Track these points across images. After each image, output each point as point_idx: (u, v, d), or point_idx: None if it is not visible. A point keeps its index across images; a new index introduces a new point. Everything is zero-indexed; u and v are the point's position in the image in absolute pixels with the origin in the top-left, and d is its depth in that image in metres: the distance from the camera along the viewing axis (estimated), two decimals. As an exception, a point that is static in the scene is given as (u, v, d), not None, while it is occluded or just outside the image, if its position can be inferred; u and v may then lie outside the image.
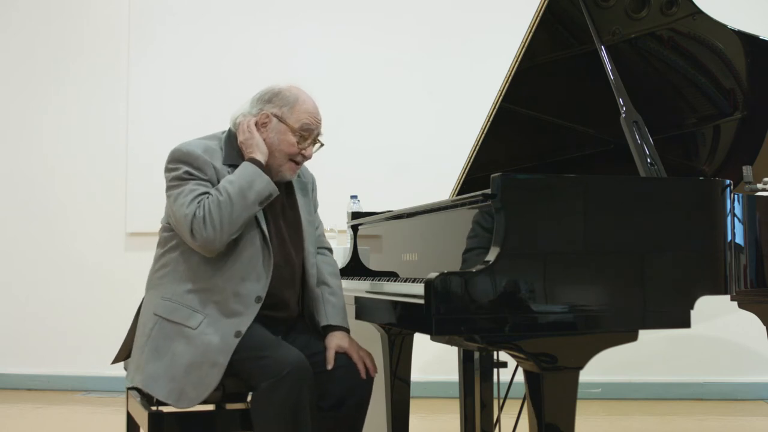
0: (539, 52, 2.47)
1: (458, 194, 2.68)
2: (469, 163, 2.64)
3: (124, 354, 2.20)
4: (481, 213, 1.79)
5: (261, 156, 2.06)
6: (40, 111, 5.23)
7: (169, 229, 2.11)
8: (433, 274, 1.58)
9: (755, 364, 4.66)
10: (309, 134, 2.16)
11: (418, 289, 1.65)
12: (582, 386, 1.69)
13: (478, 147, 2.61)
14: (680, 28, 2.45)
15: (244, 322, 2.01)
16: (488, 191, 1.69)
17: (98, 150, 5.12)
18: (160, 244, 2.14)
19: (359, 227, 2.71)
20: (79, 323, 4.95)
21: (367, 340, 2.77)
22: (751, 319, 2.55)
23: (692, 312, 1.73)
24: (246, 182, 1.99)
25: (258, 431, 1.93)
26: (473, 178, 2.64)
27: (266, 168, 2.07)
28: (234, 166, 2.08)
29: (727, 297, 1.90)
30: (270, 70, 4.90)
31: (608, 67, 2.25)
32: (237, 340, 1.98)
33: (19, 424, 4.09)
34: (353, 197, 3.15)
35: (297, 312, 2.20)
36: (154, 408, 2.01)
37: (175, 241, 2.08)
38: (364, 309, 2.20)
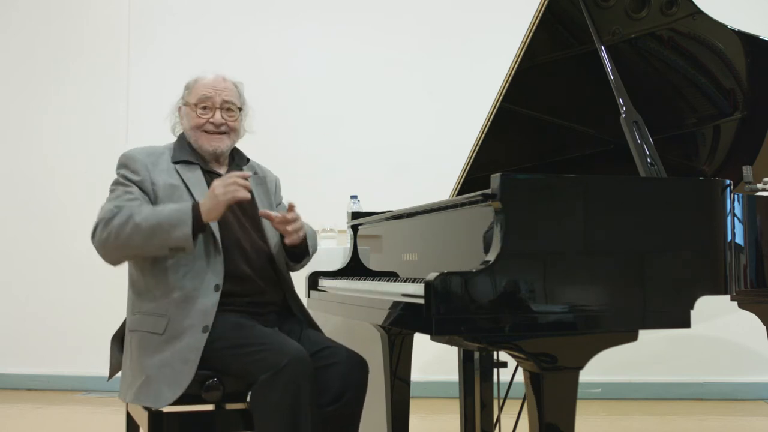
0: (539, 52, 2.47)
1: (458, 194, 2.68)
2: (469, 163, 2.64)
3: (115, 369, 2.26)
4: (481, 213, 1.79)
5: (208, 209, 2.04)
6: (40, 111, 5.23)
7: None
8: (433, 274, 1.58)
9: (755, 364, 4.66)
10: (209, 102, 2.24)
11: (418, 289, 1.65)
12: (582, 386, 1.69)
13: (478, 147, 2.61)
14: (680, 28, 2.45)
15: (208, 315, 2.05)
16: (488, 191, 1.69)
17: (98, 150, 5.11)
18: (130, 264, 2.22)
19: (359, 227, 2.71)
20: (79, 323, 4.95)
21: (367, 340, 2.78)
22: (751, 319, 2.55)
23: (692, 312, 1.73)
24: (167, 222, 2.02)
25: (258, 424, 1.93)
26: (473, 178, 2.64)
27: (195, 146, 2.21)
28: (184, 162, 2.21)
29: (727, 297, 1.90)
30: (270, 70, 4.93)
31: (608, 67, 2.25)
32: (205, 335, 2.02)
33: (19, 424, 4.09)
34: (353, 197, 3.15)
35: (279, 297, 2.26)
36: (153, 408, 2.01)
37: (140, 264, 2.16)
38: (364, 309, 2.19)
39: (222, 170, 2.28)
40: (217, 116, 2.24)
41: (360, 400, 2.08)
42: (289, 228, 2.17)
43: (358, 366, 2.09)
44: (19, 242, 5.18)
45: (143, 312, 2.12)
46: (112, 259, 2.11)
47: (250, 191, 2.26)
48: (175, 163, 2.21)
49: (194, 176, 2.21)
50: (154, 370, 2.01)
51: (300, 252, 2.30)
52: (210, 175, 2.24)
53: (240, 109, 2.30)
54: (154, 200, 2.13)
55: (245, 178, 2.05)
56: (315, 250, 2.42)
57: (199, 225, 2.03)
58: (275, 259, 2.26)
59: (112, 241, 2.05)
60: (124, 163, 2.17)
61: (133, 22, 5.17)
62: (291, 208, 2.18)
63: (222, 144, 2.25)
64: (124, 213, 2.04)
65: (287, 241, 2.20)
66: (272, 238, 2.28)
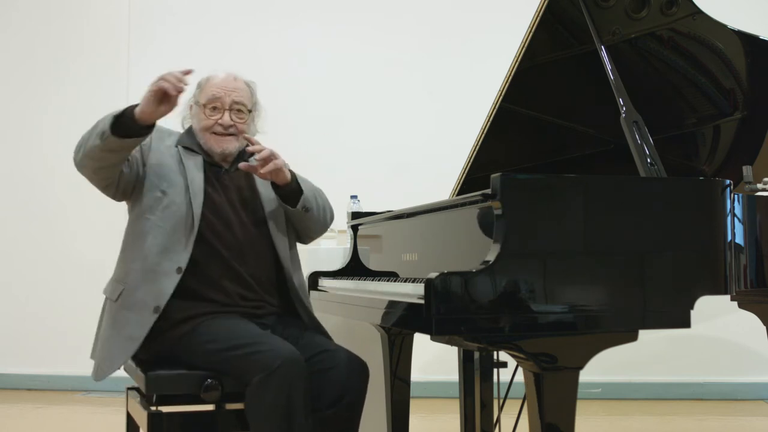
0: (539, 52, 2.47)
1: (458, 194, 2.68)
2: (469, 163, 2.64)
3: None
4: (481, 213, 1.79)
5: (140, 106, 1.97)
6: (40, 111, 5.23)
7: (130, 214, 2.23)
8: (433, 274, 1.58)
9: (755, 364, 4.66)
10: (219, 103, 2.22)
11: (419, 289, 1.65)
12: (582, 386, 1.69)
13: (478, 147, 2.61)
14: (680, 28, 2.45)
15: (163, 294, 2.04)
16: (488, 191, 1.69)
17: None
18: None
19: (359, 227, 2.71)
20: (79, 323, 4.92)
21: (367, 340, 2.78)
22: (751, 319, 2.54)
23: (692, 312, 1.73)
24: (105, 116, 2.01)
25: (253, 425, 1.93)
26: (473, 178, 2.64)
27: (205, 148, 2.20)
28: (186, 147, 2.23)
29: (727, 297, 1.90)
30: (270, 70, 4.92)
31: (608, 67, 2.25)
32: (155, 316, 2.03)
33: (19, 424, 4.09)
34: (353, 197, 3.15)
35: (277, 296, 2.23)
36: (153, 408, 2.01)
37: (125, 229, 2.20)
38: (364, 309, 2.19)
39: (226, 165, 2.27)
40: (226, 117, 2.22)
41: (359, 404, 2.07)
42: (257, 158, 2.09)
43: (358, 370, 2.07)
44: (19, 242, 5.18)
45: (112, 277, 2.18)
46: (79, 163, 2.09)
47: (252, 180, 2.27)
48: (181, 147, 2.22)
49: (194, 162, 2.20)
50: (101, 342, 2.06)
51: (289, 196, 2.21)
52: (212, 168, 2.24)
53: (250, 111, 2.28)
54: (145, 160, 2.16)
55: (185, 73, 1.95)
56: (324, 208, 2.34)
57: (128, 114, 1.96)
58: (278, 251, 2.23)
59: (78, 146, 2.08)
60: None
61: (133, 22, 5.17)
62: (248, 139, 2.15)
63: (230, 145, 2.24)
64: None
65: (272, 178, 2.14)
66: (275, 228, 2.24)
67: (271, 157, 2.12)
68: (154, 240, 2.09)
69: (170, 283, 2.06)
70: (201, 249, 2.12)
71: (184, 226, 2.11)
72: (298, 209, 2.23)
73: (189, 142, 2.25)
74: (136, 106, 1.97)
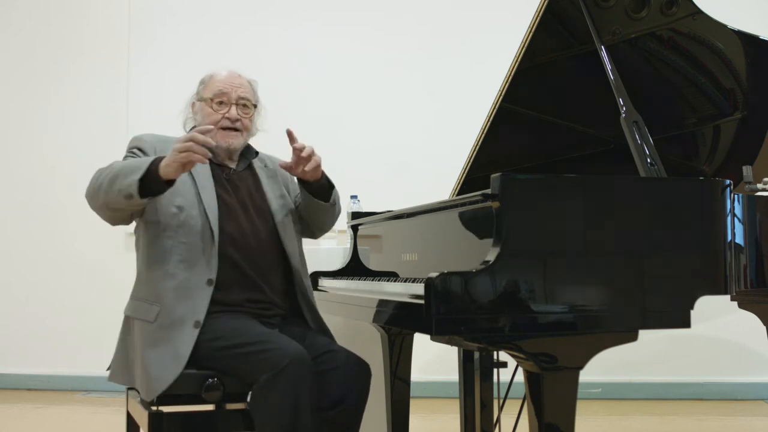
0: (539, 52, 2.47)
1: (458, 194, 2.68)
2: (469, 163, 2.64)
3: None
4: (481, 213, 1.79)
5: (164, 161, 1.96)
6: (40, 111, 5.23)
7: (134, 227, 2.22)
8: (433, 274, 1.58)
9: (755, 364, 4.66)
10: (225, 98, 2.24)
11: (418, 289, 1.65)
12: (582, 386, 1.69)
13: (478, 147, 2.61)
14: (680, 28, 2.45)
15: (199, 309, 2.04)
16: (488, 191, 1.69)
17: (98, 150, 5.11)
18: (135, 248, 2.23)
19: (359, 227, 2.71)
20: (79, 323, 4.95)
21: (367, 340, 2.78)
22: (751, 319, 2.55)
23: (692, 312, 1.73)
24: (129, 169, 1.98)
25: (258, 424, 1.92)
26: (473, 178, 2.64)
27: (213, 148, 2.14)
28: None
29: (727, 297, 1.90)
30: (270, 70, 4.91)
31: (608, 67, 2.25)
32: (197, 331, 2.02)
33: (19, 424, 4.09)
34: (353, 197, 3.15)
35: (286, 299, 2.23)
36: (154, 408, 2.01)
37: (138, 240, 2.18)
38: (364, 309, 2.19)
39: (233, 164, 2.28)
40: (233, 111, 2.23)
41: (361, 406, 2.06)
42: (303, 154, 2.11)
43: (360, 371, 2.08)
44: (19, 242, 5.18)
45: (138, 297, 2.14)
46: (95, 207, 2.08)
47: (260, 185, 2.28)
48: None
49: (202, 167, 2.17)
50: (144, 362, 2.02)
51: (320, 191, 2.24)
52: (220, 168, 2.25)
53: (255, 107, 2.29)
54: None
55: (205, 135, 1.95)
56: (338, 215, 2.38)
57: (154, 177, 1.94)
58: (287, 250, 2.24)
59: (91, 186, 2.06)
60: (135, 144, 2.19)
61: (133, 22, 5.17)
62: (290, 134, 2.13)
63: (236, 141, 2.25)
64: (106, 167, 2.07)
65: (307, 169, 2.14)
66: (284, 228, 2.25)
67: (312, 153, 2.14)
68: (179, 257, 2.08)
69: (204, 295, 2.06)
70: (222, 258, 2.13)
71: (203, 238, 2.11)
72: (329, 203, 2.27)
73: None
74: (157, 163, 1.96)
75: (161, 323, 2.04)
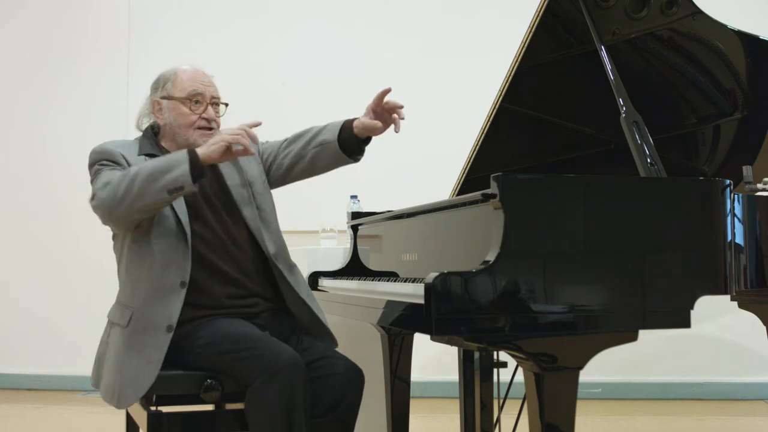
0: (539, 52, 2.47)
1: (458, 194, 2.68)
2: (469, 163, 2.64)
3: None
4: (481, 213, 1.79)
5: (208, 145, 1.96)
6: (40, 111, 5.23)
7: (112, 234, 2.17)
8: (433, 274, 1.57)
9: (755, 364, 4.66)
10: (201, 97, 2.17)
11: (418, 289, 1.65)
12: (582, 386, 1.69)
13: (478, 147, 2.61)
14: (680, 28, 2.45)
15: (173, 312, 2.01)
16: (488, 191, 1.69)
17: (98, 150, 5.12)
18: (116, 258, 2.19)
19: (359, 227, 2.71)
20: (79, 323, 4.95)
21: (367, 340, 2.78)
22: (751, 319, 2.55)
23: (692, 312, 1.73)
24: (165, 166, 1.94)
25: (253, 428, 1.92)
26: (473, 178, 2.64)
27: (185, 144, 2.11)
28: (149, 155, 2.13)
29: (727, 297, 1.90)
30: (270, 70, 4.93)
31: (608, 67, 2.25)
32: (170, 335, 2.00)
33: (19, 424, 4.09)
34: (353, 197, 3.15)
35: (269, 289, 2.18)
36: (153, 408, 2.01)
37: (117, 247, 2.15)
38: (364, 309, 2.19)
39: None
40: (210, 111, 2.17)
41: (353, 413, 2.05)
42: (401, 116, 2.14)
43: (354, 378, 2.05)
44: (20, 242, 5.18)
45: (117, 301, 2.13)
46: (117, 217, 2.00)
47: (221, 177, 2.19)
48: (144, 155, 2.14)
49: None
50: (116, 370, 2.00)
51: (362, 145, 2.23)
52: None
53: (226, 105, 2.23)
54: None
55: (252, 126, 1.96)
56: None
57: (197, 164, 1.93)
58: (255, 236, 2.17)
59: (113, 195, 1.96)
60: (99, 157, 2.10)
61: (133, 22, 5.17)
62: (385, 93, 2.14)
63: (203, 139, 2.16)
64: (121, 173, 2.00)
65: (396, 130, 2.15)
66: (248, 212, 2.18)
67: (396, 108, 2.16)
68: (153, 258, 2.05)
69: (177, 299, 2.03)
70: (194, 256, 2.08)
71: (176, 239, 2.06)
72: (353, 159, 2.24)
73: (150, 147, 2.18)
74: (194, 152, 1.95)
75: (135, 328, 2.02)
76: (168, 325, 2.01)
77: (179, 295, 2.03)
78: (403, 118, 2.13)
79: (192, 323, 2.06)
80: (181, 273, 2.04)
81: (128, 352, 2.00)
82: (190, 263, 2.05)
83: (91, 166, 2.10)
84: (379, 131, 2.16)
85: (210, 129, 2.17)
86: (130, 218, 2.01)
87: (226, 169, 2.21)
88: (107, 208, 1.99)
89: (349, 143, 2.19)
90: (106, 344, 2.13)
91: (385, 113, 2.16)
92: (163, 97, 2.18)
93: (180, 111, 2.16)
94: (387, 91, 2.13)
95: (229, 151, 1.95)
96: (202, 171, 1.96)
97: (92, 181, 2.08)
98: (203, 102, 2.16)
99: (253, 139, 1.98)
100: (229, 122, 2.20)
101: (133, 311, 2.04)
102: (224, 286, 2.11)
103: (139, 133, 2.28)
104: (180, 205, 2.08)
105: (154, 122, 2.24)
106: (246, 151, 1.96)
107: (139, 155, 2.14)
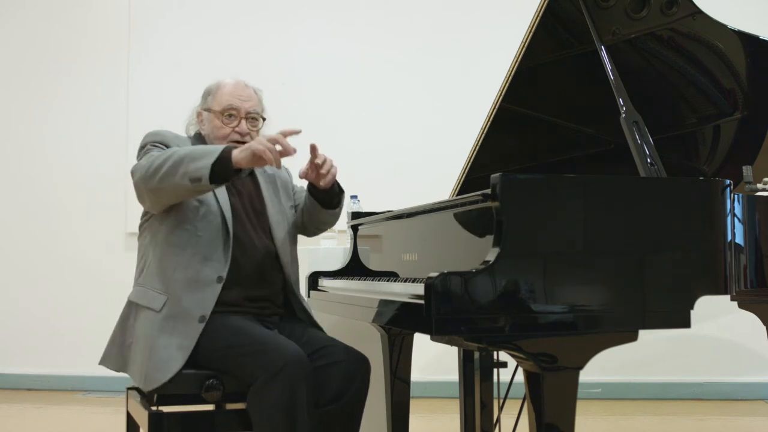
0: (539, 52, 2.47)
1: (458, 194, 2.68)
2: (469, 163, 2.64)
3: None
4: (481, 213, 1.79)
5: (239, 153, 1.98)
6: (40, 111, 5.23)
7: (144, 217, 2.23)
8: (433, 274, 1.58)
9: (755, 364, 4.66)
10: (236, 112, 2.24)
11: (418, 289, 1.65)
12: (582, 386, 1.69)
13: (478, 147, 2.61)
14: (680, 28, 2.45)
15: (207, 304, 2.06)
16: (488, 191, 1.69)
17: (98, 150, 5.12)
18: (140, 238, 2.25)
19: (359, 227, 2.71)
20: (79, 323, 4.95)
21: (367, 340, 2.78)
22: (751, 319, 2.55)
23: (692, 312, 1.73)
24: (199, 153, 1.97)
25: (256, 425, 1.93)
26: (473, 178, 2.64)
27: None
28: None
29: (727, 297, 1.90)
30: (270, 70, 4.92)
31: (608, 67, 2.25)
32: (202, 325, 2.04)
33: (19, 424, 4.09)
34: (353, 197, 3.15)
35: (282, 299, 2.26)
36: (154, 408, 2.01)
37: (147, 229, 2.20)
38: (364, 309, 2.19)
39: None
40: (243, 126, 2.24)
41: (361, 398, 2.08)
42: (322, 170, 2.14)
43: (358, 364, 2.09)
44: (20, 242, 5.18)
45: (146, 285, 2.15)
46: (147, 188, 2.03)
47: (260, 191, 2.31)
48: None
49: None
50: (147, 353, 2.02)
51: (332, 195, 2.28)
52: None
53: (263, 119, 2.30)
54: None
55: (288, 135, 2.00)
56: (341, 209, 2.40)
57: (225, 163, 1.95)
58: (281, 259, 2.26)
59: (146, 167, 2.01)
60: (156, 138, 2.16)
61: (133, 22, 5.17)
62: (313, 149, 2.13)
63: None
64: (165, 150, 2.06)
65: (322, 183, 2.17)
66: (279, 236, 2.28)
67: (332, 165, 2.18)
68: (195, 249, 2.10)
69: (213, 292, 2.08)
70: (234, 256, 2.15)
71: (220, 234, 2.13)
72: (338, 209, 2.31)
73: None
74: (229, 151, 1.97)
75: (168, 313, 2.06)
76: (201, 315, 2.05)
77: (215, 289, 2.09)
78: (323, 172, 2.18)
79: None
80: (221, 268, 2.10)
81: (161, 336, 2.03)
82: (229, 261, 2.12)
83: (142, 147, 2.16)
84: (313, 182, 2.22)
85: (243, 143, 2.21)
86: (160, 196, 2.05)
87: (264, 184, 2.32)
88: (140, 178, 2.03)
89: (324, 199, 2.29)
90: (132, 327, 2.14)
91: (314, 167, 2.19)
92: (205, 109, 2.28)
93: (215, 124, 2.25)
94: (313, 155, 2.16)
95: (258, 159, 1.97)
96: (228, 171, 1.97)
97: (139, 158, 2.13)
98: (237, 116, 2.24)
99: (287, 151, 1.99)
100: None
101: (168, 297, 2.07)
102: (246, 287, 2.17)
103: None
104: (226, 206, 2.16)
105: (197, 131, 2.33)
106: (276, 162, 1.97)
107: None
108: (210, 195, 2.16)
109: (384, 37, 5.00)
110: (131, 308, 2.17)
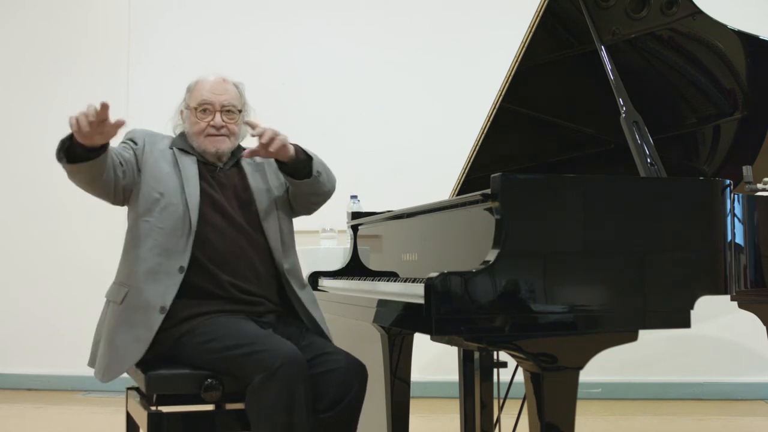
0: (539, 52, 2.47)
1: (458, 194, 2.68)
2: (469, 163, 2.64)
3: None
4: (481, 213, 1.79)
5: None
6: (40, 111, 5.22)
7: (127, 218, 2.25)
8: (433, 274, 1.58)
9: (755, 364, 4.66)
10: (210, 106, 2.26)
11: (418, 289, 1.65)
12: (582, 386, 1.69)
13: (478, 147, 2.61)
14: (680, 28, 2.45)
15: (167, 295, 2.07)
16: (488, 191, 1.69)
17: (98, 150, 5.12)
18: None
19: (359, 227, 2.71)
20: (79, 323, 4.92)
21: (367, 340, 2.78)
22: (751, 319, 2.55)
23: (692, 312, 1.73)
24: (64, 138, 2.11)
25: (254, 425, 1.93)
26: (473, 178, 2.64)
27: (199, 150, 2.25)
28: (181, 149, 2.27)
29: (727, 297, 1.90)
30: (270, 70, 4.93)
31: (608, 67, 2.25)
32: (162, 317, 2.05)
33: (19, 424, 4.09)
34: (353, 197, 3.15)
35: (276, 295, 2.24)
36: (153, 408, 2.01)
37: (126, 231, 2.23)
38: (364, 309, 2.19)
39: (220, 164, 2.29)
40: (218, 119, 2.25)
41: (357, 408, 2.06)
42: (263, 140, 2.11)
43: (357, 373, 2.07)
44: (20, 242, 5.18)
45: (115, 280, 2.20)
46: (71, 180, 2.25)
47: (245, 178, 2.29)
48: (176, 148, 2.27)
49: (190, 161, 2.24)
50: (108, 345, 2.07)
51: (299, 168, 2.21)
52: (206, 167, 2.26)
53: (240, 111, 2.30)
54: (140, 166, 2.20)
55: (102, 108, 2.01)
56: (328, 169, 2.33)
57: (70, 142, 2.12)
58: (272, 249, 2.24)
59: None
60: (128, 136, 2.29)
61: (133, 22, 5.17)
62: (252, 126, 2.13)
63: (223, 145, 2.27)
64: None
65: (269, 150, 2.13)
66: (270, 227, 2.25)
67: (274, 135, 2.13)
68: (154, 241, 2.12)
69: (173, 282, 2.09)
70: (202, 246, 2.15)
71: (182, 225, 2.14)
72: (313, 177, 2.22)
73: (183, 144, 2.29)
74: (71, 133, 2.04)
75: (128, 305, 2.08)
76: (161, 306, 2.06)
77: (176, 279, 2.09)
78: (264, 141, 2.14)
79: (196, 319, 2.08)
80: (182, 258, 2.11)
81: (120, 327, 2.07)
82: (190, 250, 2.12)
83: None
84: (268, 156, 2.19)
85: (219, 135, 2.26)
86: (75, 183, 2.23)
87: (251, 173, 2.31)
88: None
89: (296, 169, 2.24)
90: (102, 324, 2.20)
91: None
92: (185, 107, 2.32)
93: (192, 120, 2.29)
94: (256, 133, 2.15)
95: (77, 131, 2.05)
96: (77, 148, 2.10)
97: None
98: (212, 110, 2.26)
99: (90, 116, 2.00)
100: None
101: (128, 289, 2.10)
102: (228, 272, 2.16)
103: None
104: (192, 196, 2.16)
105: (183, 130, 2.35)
106: (84, 124, 2.02)
107: (170, 148, 2.27)
108: (174, 186, 2.17)
109: (384, 37, 5.00)
110: (105, 305, 2.23)
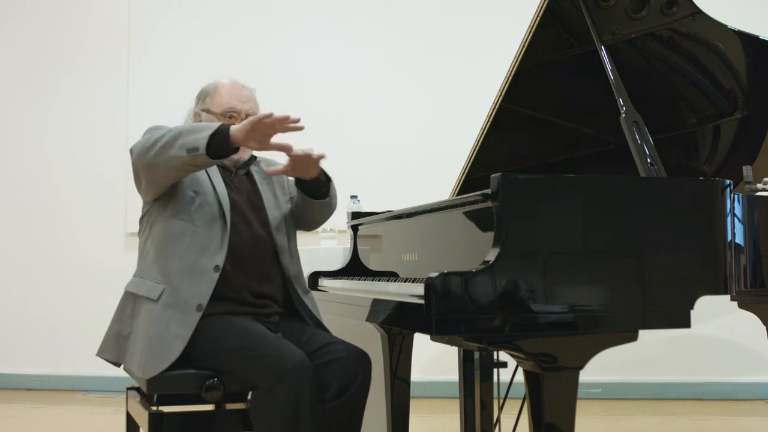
0: (539, 52, 2.47)
1: (458, 194, 2.68)
2: (469, 163, 2.64)
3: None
4: (481, 213, 1.79)
5: (237, 128, 2.00)
6: (40, 111, 5.23)
7: (143, 209, 2.25)
8: (433, 274, 1.58)
9: (755, 364, 4.66)
10: (236, 114, 2.26)
11: (418, 289, 1.65)
12: (582, 386, 1.69)
13: (478, 147, 2.61)
14: (680, 28, 2.45)
15: (204, 293, 2.08)
16: (488, 191, 1.69)
17: (98, 150, 5.12)
18: (140, 233, 2.27)
19: (359, 227, 2.71)
20: (79, 323, 4.95)
21: (367, 340, 2.78)
22: (751, 319, 2.55)
23: (692, 312, 1.73)
24: (196, 128, 2.01)
25: (258, 429, 1.93)
26: (473, 178, 2.64)
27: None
28: None
29: (727, 297, 1.90)
30: (270, 70, 4.93)
31: (608, 67, 2.25)
32: (199, 314, 2.05)
33: (19, 424, 4.09)
34: (353, 197, 3.15)
35: (282, 296, 2.26)
36: (154, 408, 2.01)
37: (146, 221, 2.23)
38: (363, 309, 2.19)
39: (234, 169, 2.31)
40: None
41: (363, 395, 2.08)
42: (313, 157, 2.16)
43: (360, 361, 2.10)
44: (20, 242, 5.18)
45: (143, 276, 2.17)
46: (141, 163, 2.08)
47: (256, 186, 2.32)
48: None
49: (212, 167, 2.23)
50: (144, 340, 2.04)
51: (320, 184, 2.27)
52: (224, 171, 2.28)
53: None
54: None
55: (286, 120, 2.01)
56: (336, 203, 2.40)
57: (222, 136, 1.97)
58: (279, 254, 2.26)
59: (142, 143, 2.08)
60: (154, 127, 2.19)
61: (133, 22, 5.17)
62: (287, 149, 2.15)
63: (245, 153, 2.28)
64: (164, 127, 2.10)
65: (307, 174, 2.19)
66: (277, 232, 2.28)
67: (319, 157, 2.18)
68: (191, 239, 2.12)
69: (210, 281, 2.09)
70: (230, 247, 2.16)
71: (217, 224, 2.15)
72: (329, 197, 2.30)
73: None
74: (227, 126, 1.99)
75: (166, 303, 2.07)
76: (198, 305, 2.07)
77: (212, 278, 2.10)
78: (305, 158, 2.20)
79: (209, 318, 2.08)
80: (218, 257, 2.12)
81: (158, 325, 2.05)
82: (226, 249, 2.13)
83: (143, 136, 2.17)
84: (293, 173, 2.24)
85: None
86: (154, 172, 2.07)
87: (260, 181, 2.33)
88: (137, 153, 2.08)
89: (312, 189, 2.29)
90: (130, 318, 2.16)
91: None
92: (203, 110, 2.29)
93: None
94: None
95: (253, 131, 1.97)
96: (225, 144, 1.99)
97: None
98: (238, 118, 2.25)
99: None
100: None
101: (165, 287, 2.09)
102: (247, 278, 2.18)
103: None
104: (224, 198, 2.18)
105: None
106: (282, 128, 2.00)
107: None
108: (207, 186, 2.18)
109: (384, 37, 5.00)
110: (128, 299, 2.18)
